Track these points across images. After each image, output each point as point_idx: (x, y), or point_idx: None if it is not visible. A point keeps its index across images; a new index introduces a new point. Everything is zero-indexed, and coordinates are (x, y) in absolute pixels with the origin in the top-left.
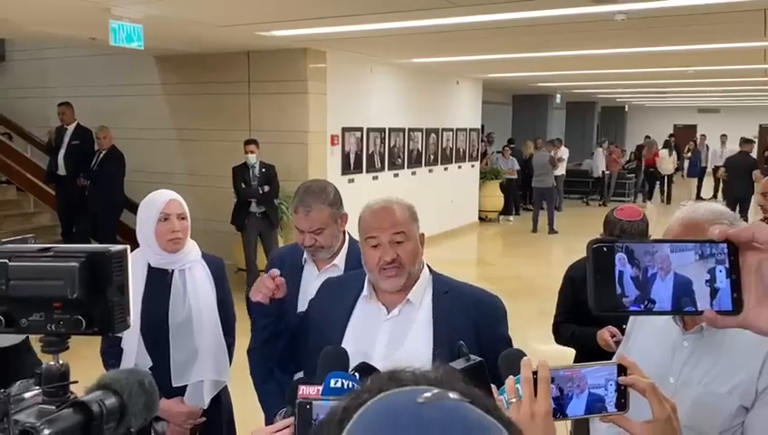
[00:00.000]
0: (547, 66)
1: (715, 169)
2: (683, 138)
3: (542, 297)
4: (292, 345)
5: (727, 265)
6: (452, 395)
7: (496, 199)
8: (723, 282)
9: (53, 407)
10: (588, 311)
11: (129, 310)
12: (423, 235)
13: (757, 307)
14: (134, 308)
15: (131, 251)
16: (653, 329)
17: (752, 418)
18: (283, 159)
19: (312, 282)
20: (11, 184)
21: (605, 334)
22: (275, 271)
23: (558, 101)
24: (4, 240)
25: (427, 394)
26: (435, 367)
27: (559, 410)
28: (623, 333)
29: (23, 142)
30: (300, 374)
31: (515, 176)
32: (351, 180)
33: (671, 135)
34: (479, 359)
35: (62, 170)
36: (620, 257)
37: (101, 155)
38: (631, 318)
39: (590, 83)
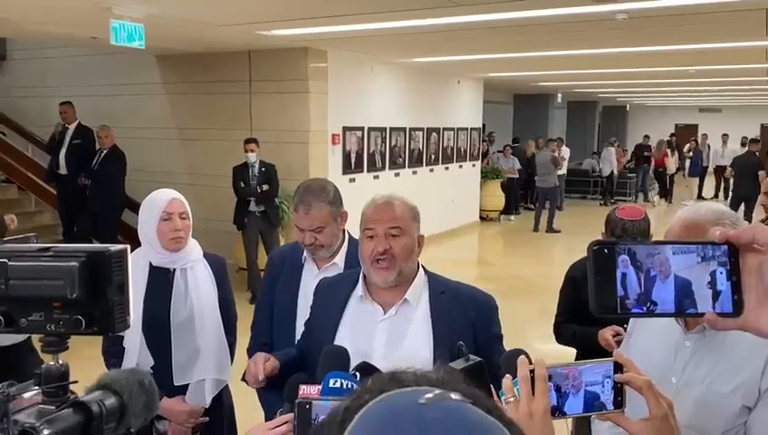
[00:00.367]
0: (548, 66)
1: (717, 168)
2: (684, 137)
3: (543, 297)
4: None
5: (728, 267)
6: (453, 396)
7: (497, 199)
8: (724, 284)
9: (53, 407)
10: (589, 311)
11: (128, 310)
12: (423, 236)
13: (757, 309)
14: (136, 307)
15: (132, 250)
16: (655, 329)
17: (754, 417)
18: (284, 159)
19: (311, 281)
20: (12, 183)
21: (606, 334)
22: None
23: (559, 100)
24: (5, 239)
25: (429, 395)
26: (436, 368)
27: (557, 409)
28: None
29: (23, 141)
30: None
31: (516, 175)
32: (352, 180)
33: (672, 135)
34: (479, 359)
35: (63, 170)
36: (623, 259)
37: (102, 154)
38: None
39: (592, 83)
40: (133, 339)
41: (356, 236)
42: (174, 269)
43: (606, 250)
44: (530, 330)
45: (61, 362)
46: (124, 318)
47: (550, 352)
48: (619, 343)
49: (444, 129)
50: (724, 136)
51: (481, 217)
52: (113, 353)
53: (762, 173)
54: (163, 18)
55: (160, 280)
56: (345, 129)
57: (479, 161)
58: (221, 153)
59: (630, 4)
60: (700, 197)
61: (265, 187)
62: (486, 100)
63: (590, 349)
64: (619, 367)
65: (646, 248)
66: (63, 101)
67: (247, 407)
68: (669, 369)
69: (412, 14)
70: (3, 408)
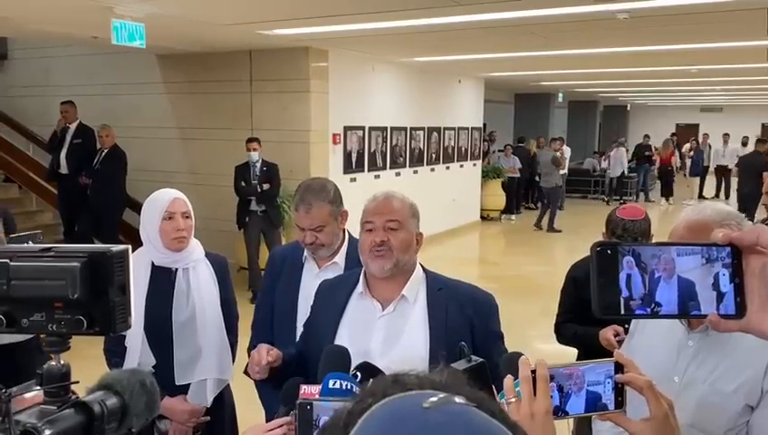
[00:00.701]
0: (549, 65)
1: (718, 167)
2: (685, 137)
3: (544, 296)
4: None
5: (731, 269)
6: (458, 400)
7: (498, 198)
8: (727, 286)
9: (55, 407)
10: (590, 311)
11: (130, 310)
12: (421, 234)
13: (760, 311)
14: (137, 307)
15: (134, 250)
16: (657, 328)
17: (757, 417)
18: (285, 158)
19: (312, 280)
20: (13, 182)
21: (608, 334)
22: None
23: (560, 99)
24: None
25: (433, 399)
26: (439, 370)
27: (559, 409)
28: (626, 333)
29: (24, 141)
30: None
31: (517, 175)
32: (353, 179)
33: (673, 134)
34: (481, 360)
35: (63, 169)
36: (628, 260)
37: (103, 154)
38: None
39: (593, 82)
40: (135, 338)
41: (356, 235)
42: (176, 269)
43: (609, 251)
44: (531, 329)
45: (62, 362)
46: (125, 318)
47: (551, 351)
48: (620, 342)
49: (445, 128)
50: (725, 135)
51: (482, 217)
52: (115, 353)
53: (766, 174)
54: (164, 18)
55: (162, 280)
56: (346, 128)
57: (480, 161)
58: (222, 153)
59: (631, 4)
60: (701, 196)
61: (266, 186)
62: (487, 99)
63: (591, 349)
64: (619, 367)
65: (650, 250)
66: (64, 100)
67: (248, 407)
68: (672, 368)
69: (413, 14)
70: (4, 408)
